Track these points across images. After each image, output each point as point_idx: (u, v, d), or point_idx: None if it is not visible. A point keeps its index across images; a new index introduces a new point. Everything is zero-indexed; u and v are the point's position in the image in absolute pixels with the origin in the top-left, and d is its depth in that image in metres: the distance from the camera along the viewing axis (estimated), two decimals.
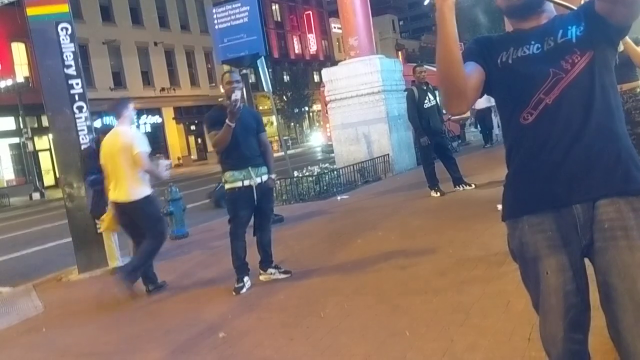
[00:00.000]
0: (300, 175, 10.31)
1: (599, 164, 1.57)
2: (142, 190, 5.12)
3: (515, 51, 1.67)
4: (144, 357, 3.65)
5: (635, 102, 4.24)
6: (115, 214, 5.31)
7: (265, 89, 9.59)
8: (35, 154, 27.33)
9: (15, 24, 18.41)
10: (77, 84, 6.62)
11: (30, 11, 6.57)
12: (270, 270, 4.97)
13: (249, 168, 4.74)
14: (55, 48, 6.52)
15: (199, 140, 38.45)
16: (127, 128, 5.29)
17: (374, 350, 3.17)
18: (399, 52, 59.26)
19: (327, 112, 13.59)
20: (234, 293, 4.69)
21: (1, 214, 19.88)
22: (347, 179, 10.73)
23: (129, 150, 5.03)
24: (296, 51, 51.75)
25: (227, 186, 4.81)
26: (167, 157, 34.83)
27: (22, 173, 27.97)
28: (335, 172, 10.65)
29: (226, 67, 8.70)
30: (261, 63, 8.87)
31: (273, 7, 48.98)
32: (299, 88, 45.79)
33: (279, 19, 50.13)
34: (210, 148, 24.23)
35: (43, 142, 27.78)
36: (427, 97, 7.96)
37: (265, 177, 4.84)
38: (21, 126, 25.94)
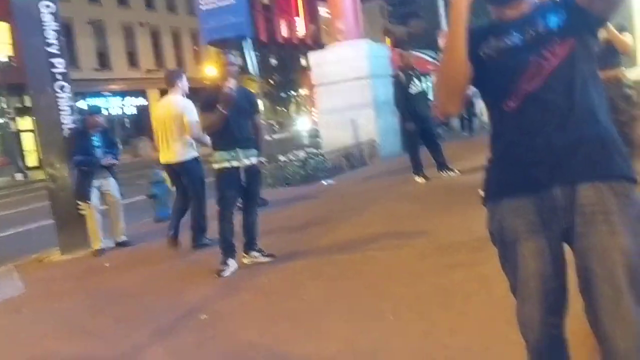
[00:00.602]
0: (286, 159, 10.27)
1: (581, 149, 1.57)
2: (189, 152, 5.73)
3: (496, 42, 1.68)
4: (125, 339, 3.63)
5: (618, 89, 4.26)
6: (168, 174, 6.23)
7: (252, 72, 9.52)
8: (18, 134, 26.96)
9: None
10: (60, 63, 6.52)
11: None
12: (254, 253, 4.95)
13: (237, 149, 4.70)
14: (38, 26, 6.40)
15: None
16: (180, 97, 5.79)
17: (357, 333, 3.18)
18: (387, 38, 59.04)
19: (313, 97, 13.55)
20: (216, 275, 4.68)
21: None
22: (333, 163, 10.72)
23: (180, 118, 5.60)
24: (284, 35, 51.35)
25: (215, 166, 4.77)
26: (152, 140, 34.35)
27: (5, 154, 27.58)
28: (321, 157, 10.62)
29: (212, 49, 8.61)
30: (247, 46, 8.79)
31: None
32: (286, 72, 45.50)
33: (267, 2, 49.64)
34: None
35: (26, 123, 27.34)
36: (413, 83, 7.95)
37: (254, 160, 4.80)
38: (4, 106, 25.53)
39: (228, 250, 4.81)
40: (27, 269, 6.06)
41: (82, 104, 22.64)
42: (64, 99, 6.52)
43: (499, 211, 1.69)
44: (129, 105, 34.04)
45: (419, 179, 7.96)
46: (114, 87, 32.61)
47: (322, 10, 51.83)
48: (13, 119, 25.41)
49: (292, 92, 47.78)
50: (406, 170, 8.43)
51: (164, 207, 7.81)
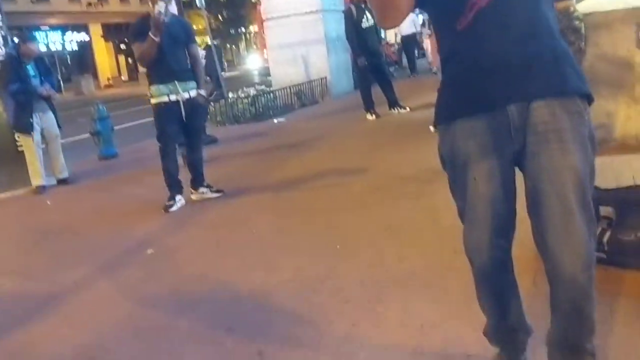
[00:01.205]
0: (236, 96, 10.03)
1: (536, 65, 1.53)
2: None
3: None
4: (69, 274, 3.53)
5: (568, 21, 4.25)
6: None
7: (199, 5, 9.12)
8: None
9: None
10: None
11: None
12: (202, 189, 4.86)
13: (176, 82, 4.50)
14: None
15: (130, 60, 36.55)
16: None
17: (305, 263, 3.19)
18: None
19: (264, 34, 13.16)
20: (163, 211, 4.58)
21: None
22: (283, 101, 10.55)
23: None
24: None
25: (152, 101, 4.57)
26: (95, 78, 32.97)
27: None
28: (271, 95, 10.44)
29: None
30: None
31: None
32: (236, 7, 43.96)
33: None
34: (142, 69, 23.19)
35: None
36: (365, 17, 7.80)
37: (193, 92, 4.61)
38: None
39: (174, 186, 4.70)
40: None
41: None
42: None
43: (450, 133, 1.64)
44: (70, 41, 32.37)
45: (370, 116, 7.94)
46: (53, 21, 30.83)
47: None
48: None
49: (242, 29, 46.43)
50: (358, 107, 8.39)
51: (108, 143, 7.55)
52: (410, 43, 14.34)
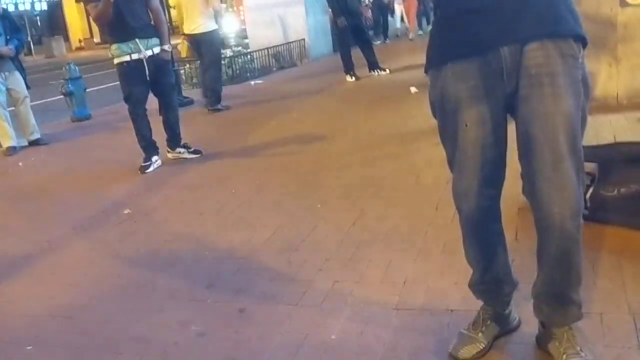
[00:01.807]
0: None
1: (531, 5, 1.48)
2: (211, 24, 6.67)
3: None
4: (41, 235, 3.44)
5: None
6: (190, 44, 7.08)
7: None
8: None
9: None
10: None
11: None
12: (179, 149, 4.76)
13: (137, 40, 4.31)
14: None
15: None
16: None
17: (286, 221, 3.15)
18: None
19: None
20: (139, 172, 4.48)
21: None
22: (261, 63, 10.37)
23: None
24: None
25: (115, 61, 4.40)
26: (67, 40, 31.93)
27: None
28: (248, 56, 10.24)
29: None
30: None
31: None
32: None
33: None
34: None
35: None
36: None
37: (157, 50, 4.43)
38: None
39: (149, 148, 4.59)
40: None
41: None
42: None
43: (441, 78, 1.59)
44: (40, 1, 31.27)
45: (350, 78, 7.86)
46: None
47: None
48: None
49: None
50: (337, 69, 8.28)
51: (81, 105, 7.34)
52: (382, 7, 14.11)
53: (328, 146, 4.62)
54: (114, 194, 4.11)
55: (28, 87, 6.05)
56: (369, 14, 16.17)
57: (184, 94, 7.91)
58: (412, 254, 2.54)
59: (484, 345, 1.77)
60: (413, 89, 5.82)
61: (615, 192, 2.43)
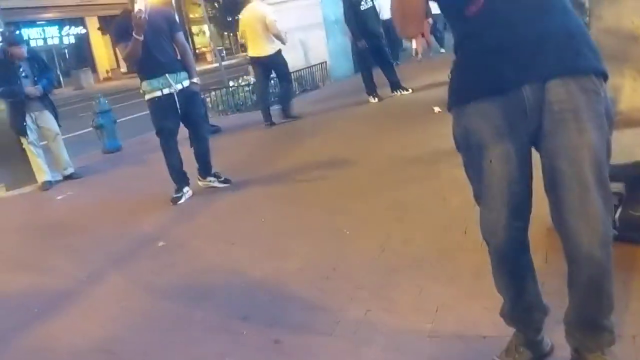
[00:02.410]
0: (236, 85, 10.00)
1: (550, 43, 1.51)
2: (273, 47, 7.31)
3: None
4: (80, 270, 3.56)
5: None
6: (255, 66, 7.74)
7: None
8: None
9: None
10: None
11: None
12: (210, 178, 4.87)
13: (166, 75, 4.44)
14: None
15: None
16: (261, 3, 7.42)
17: (315, 249, 3.20)
18: None
19: None
20: (171, 203, 4.59)
21: None
22: None
23: (263, 19, 7.15)
24: None
25: (146, 97, 4.52)
26: (94, 71, 32.49)
27: None
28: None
29: None
30: None
31: None
32: None
33: None
34: None
35: None
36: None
37: (186, 83, 4.56)
38: None
39: (180, 179, 4.70)
40: None
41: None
42: None
43: (464, 116, 1.63)
44: (68, 35, 32.19)
45: (372, 99, 7.90)
46: (49, 15, 30.65)
47: None
48: None
49: (240, 16, 46.01)
50: (358, 91, 8.34)
51: (111, 137, 7.55)
52: (391, 28, 14.09)
53: (353, 170, 4.67)
54: (148, 226, 4.22)
55: (59, 125, 6.24)
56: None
57: (211, 122, 8.06)
58: (442, 280, 2.56)
59: None
60: (436, 109, 5.84)
61: None
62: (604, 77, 1.57)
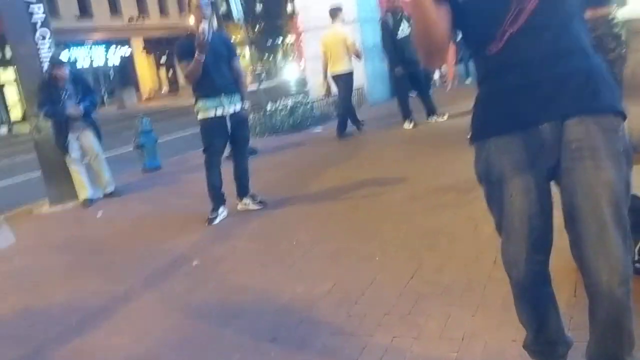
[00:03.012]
0: (274, 107, 10.18)
1: (569, 83, 1.55)
2: (351, 66, 8.20)
3: None
4: (117, 286, 3.68)
5: (609, 28, 4.20)
6: (337, 82, 8.38)
7: (236, 19, 9.29)
8: (0, 87, 26.38)
9: None
10: (39, 8, 6.33)
11: None
12: (246, 200, 4.97)
13: (222, 97, 4.64)
14: None
15: (170, 73, 37.49)
16: (341, 25, 8.25)
17: (346, 273, 3.24)
18: None
19: (300, 44, 13.31)
20: (207, 223, 4.71)
21: None
22: (321, 111, 10.63)
23: (344, 40, 8.03)
24: None
25: (199, 116, 4.71)
26: (137, 90, 33.34)
27: None
28: (309, 105, 10.53)
29: None
30: None
31: None
32: (272, 18, 44.40)
33: None
34: (182, 81, 23.70)
35: (8, 75, 26.77)
36: (401, 27, 7.82)
37: (238, 106, 4.75)
38: None
39: (217, 198, 4.82)
40: (17, 221, 6.05)
41: (65, 54, 22.15)
42: (45, 47, 6.35)
43: (485, 150, 1.68)
44: (113, 56, 33.30)
45: (408, 125, 7.94)
46: (96, 36, 31.82)
47: None
48: None
49: (279, 40, 46.82)
50: (395, 116, 8.40)
51: (152, 156, 7.77)
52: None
53: (386, 194, 4.71)
54: (183, 245, 4.34)
55: (101, 144, 6.45)
56: None
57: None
58: (470, 309, 2.57)
59: None
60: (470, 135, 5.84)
61: None
62: (622, 116, 1.59)
